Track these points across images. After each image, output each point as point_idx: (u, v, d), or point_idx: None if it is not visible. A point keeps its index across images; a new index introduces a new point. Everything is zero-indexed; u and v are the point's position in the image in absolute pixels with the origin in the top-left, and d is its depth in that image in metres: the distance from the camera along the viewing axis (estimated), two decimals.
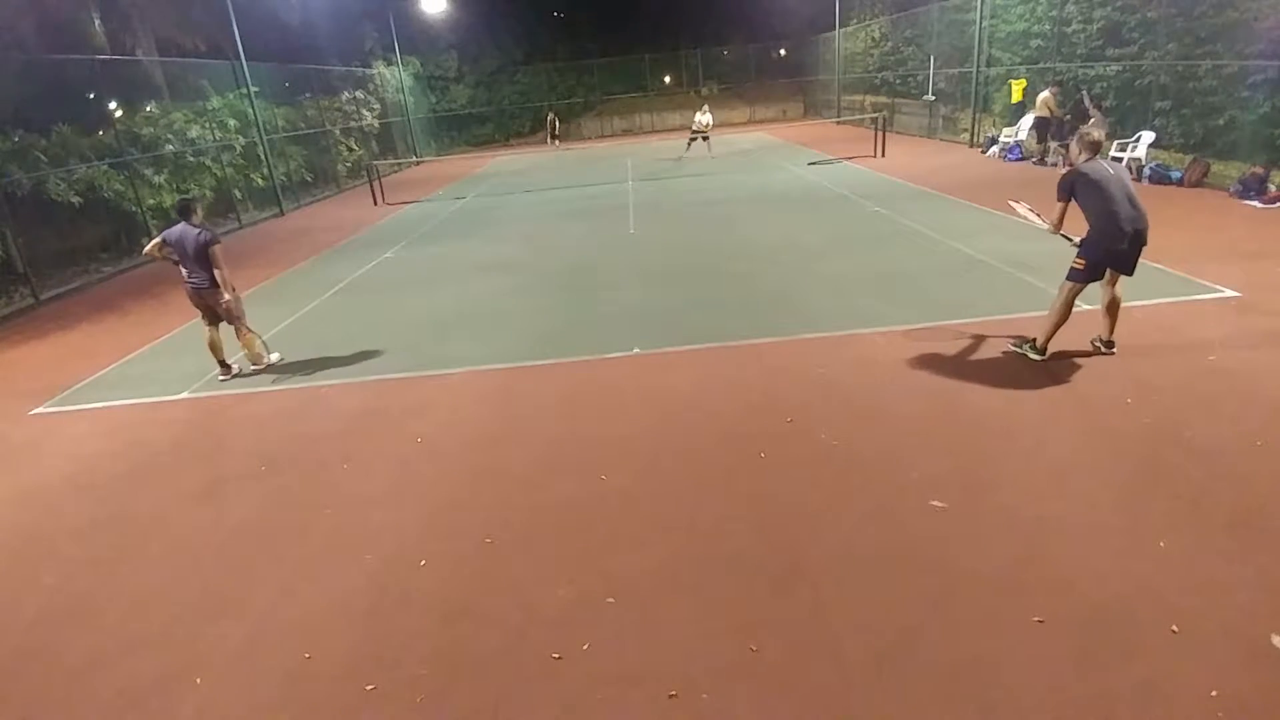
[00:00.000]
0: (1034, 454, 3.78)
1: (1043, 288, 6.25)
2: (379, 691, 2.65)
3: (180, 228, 5.64)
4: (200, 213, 5.79)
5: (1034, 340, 4.94)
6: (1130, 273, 4.65)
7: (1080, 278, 4.65)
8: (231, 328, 5.92)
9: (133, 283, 10.67)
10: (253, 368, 6.12)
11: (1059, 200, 4.69)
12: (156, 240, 5.73)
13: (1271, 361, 4.53)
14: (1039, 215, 5.14)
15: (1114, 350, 4.86)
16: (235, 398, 5.66)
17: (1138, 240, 4.47)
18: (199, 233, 5.62)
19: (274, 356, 6.27)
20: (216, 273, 5.64)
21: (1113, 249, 4.51)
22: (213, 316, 5.87)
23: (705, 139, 17.37)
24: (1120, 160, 11.12)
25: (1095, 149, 4.64)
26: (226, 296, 5.68)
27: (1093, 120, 11.65)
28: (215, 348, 5.94)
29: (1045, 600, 2.75)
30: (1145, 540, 3.04)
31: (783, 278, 7.40)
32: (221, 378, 5.99)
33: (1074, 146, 4.74)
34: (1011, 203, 5.64)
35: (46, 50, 13.19)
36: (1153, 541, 3.02)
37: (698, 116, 17.39)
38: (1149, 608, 2.67)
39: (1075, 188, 4.56)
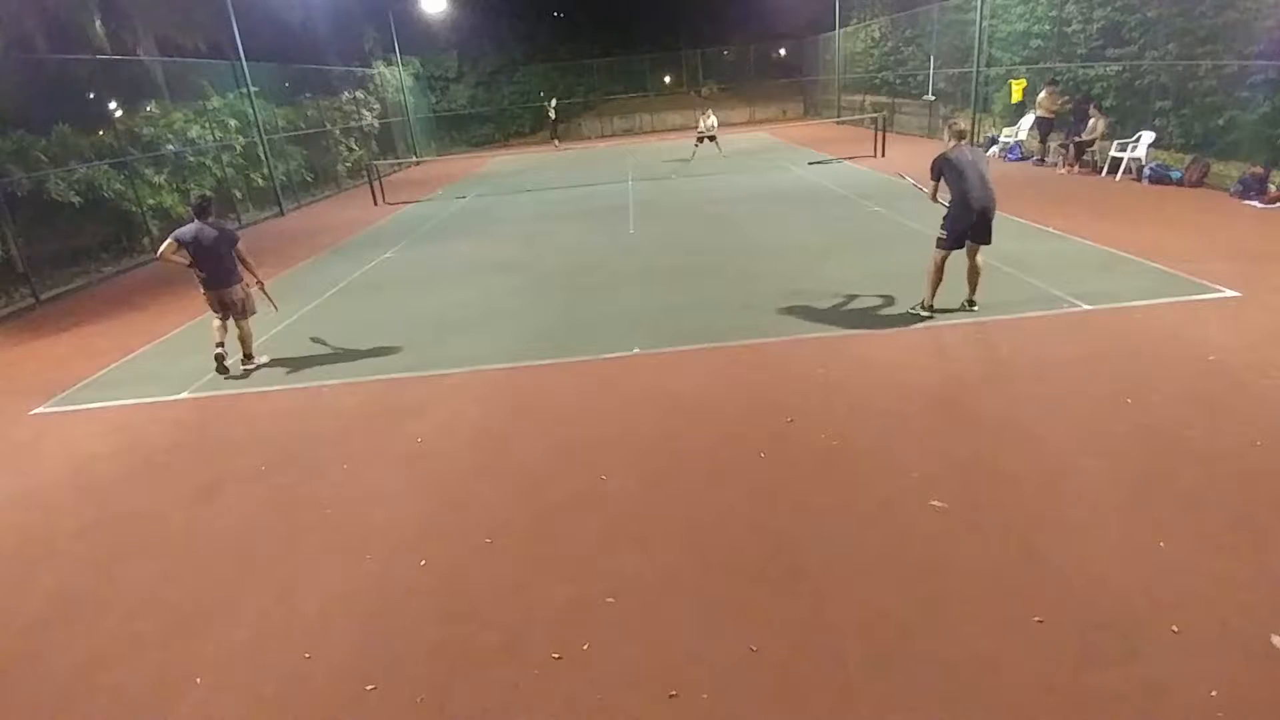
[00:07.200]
0: (1034, 454, 3.79)
1: (1042, 286, 6.26)
2: (379, 691, 2.65)
3: (195, 227, 5.70)
4: (214, 211, 5.97)
5: (922, 302, 5.85)
6: (988, 242, 5.51)
7: (945, 246, 5.62)
8: (236, 323, 6.04)
9: (133, 283, 10.66)
10: (243, 367, 6.16)
11: (931, 179, 5.64)
12: (170, 242, 5.66)
13: (1271, 361, 4.53)
14: (919, 185, 6.18)
15: (976, 308, 5.77)
16: (235, 398, 5.65)
17: (985, 215, 5.37)
18: (221, 231, 5.79)
19: (264, 358, 6.33)
20: (244, 268, 5.93)
21: (965, 223, 5.43)
22: (227, 312, 5.97)
23: (713, 139, 17.43)
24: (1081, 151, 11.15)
25: (961, 136, 5.55)
26: (256, 282, 6.03)
27: (1092, 121, 11.68)
28: (246, 339, 6.10)
29: (1045, 600, 2.75)
30: (1145, 540, 3.04)
31: (783, 278, 7.39)
32: (246, 367, 6.10)
33: (946, 133, 5.63)
34: (900, 174, 6.86)
35: (47, 50, 13.18)
36: (1152, 542, 3.03)
37: (702, 120, 17.46)
38: (1149, 608, 2.67)
39: (942, 169, 5.49)
